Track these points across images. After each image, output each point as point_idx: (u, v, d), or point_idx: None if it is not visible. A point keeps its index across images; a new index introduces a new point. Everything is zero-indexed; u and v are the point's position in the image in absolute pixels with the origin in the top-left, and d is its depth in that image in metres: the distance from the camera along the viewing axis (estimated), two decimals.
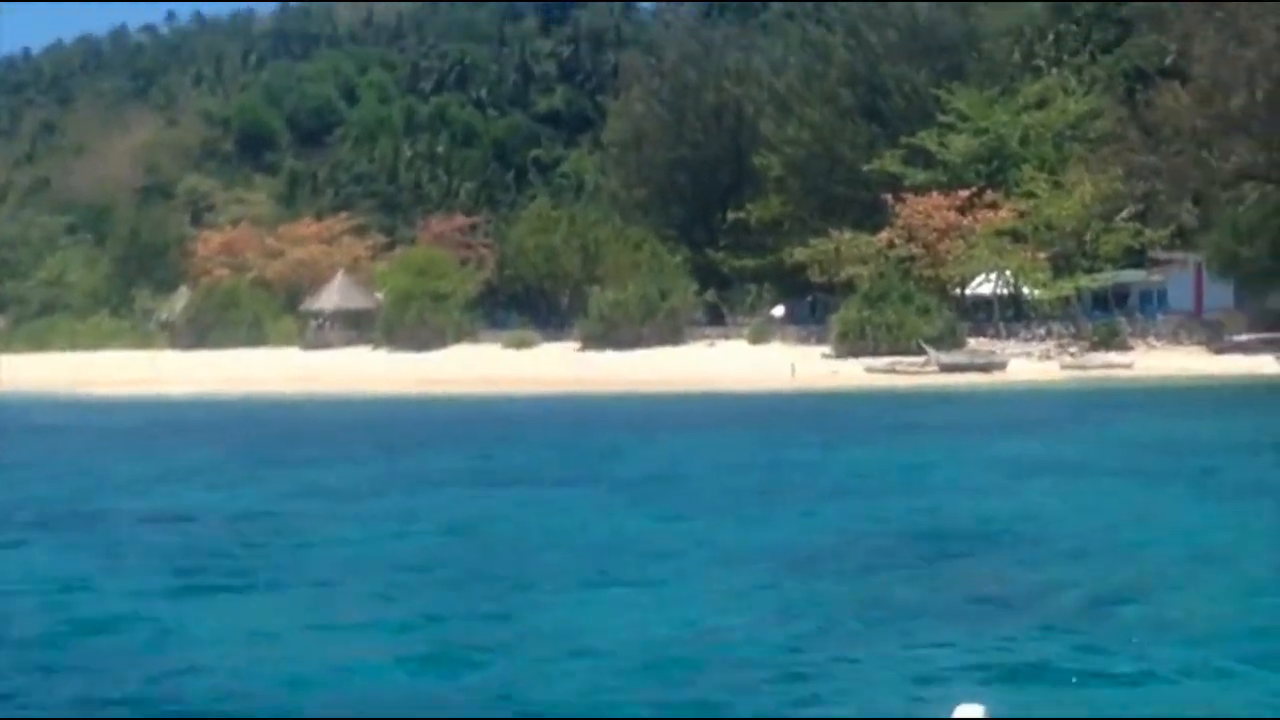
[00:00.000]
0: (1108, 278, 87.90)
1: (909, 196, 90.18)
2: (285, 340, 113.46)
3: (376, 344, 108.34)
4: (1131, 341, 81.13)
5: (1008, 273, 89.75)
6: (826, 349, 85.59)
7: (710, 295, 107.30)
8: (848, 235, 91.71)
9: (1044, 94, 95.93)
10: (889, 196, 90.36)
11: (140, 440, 46.56)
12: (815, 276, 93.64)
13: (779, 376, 73.79)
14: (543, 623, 16.76)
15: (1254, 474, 30.49)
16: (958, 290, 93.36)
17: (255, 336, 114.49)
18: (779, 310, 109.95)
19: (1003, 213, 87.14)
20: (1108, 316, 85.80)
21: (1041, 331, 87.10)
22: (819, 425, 47.79)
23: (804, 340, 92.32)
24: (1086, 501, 27.12)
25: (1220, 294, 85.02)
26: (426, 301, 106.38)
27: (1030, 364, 77.05)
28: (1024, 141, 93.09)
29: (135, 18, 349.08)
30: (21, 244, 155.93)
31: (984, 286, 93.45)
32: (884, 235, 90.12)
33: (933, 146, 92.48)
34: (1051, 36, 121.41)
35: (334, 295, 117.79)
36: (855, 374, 74.58)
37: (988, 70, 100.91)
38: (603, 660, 14.87)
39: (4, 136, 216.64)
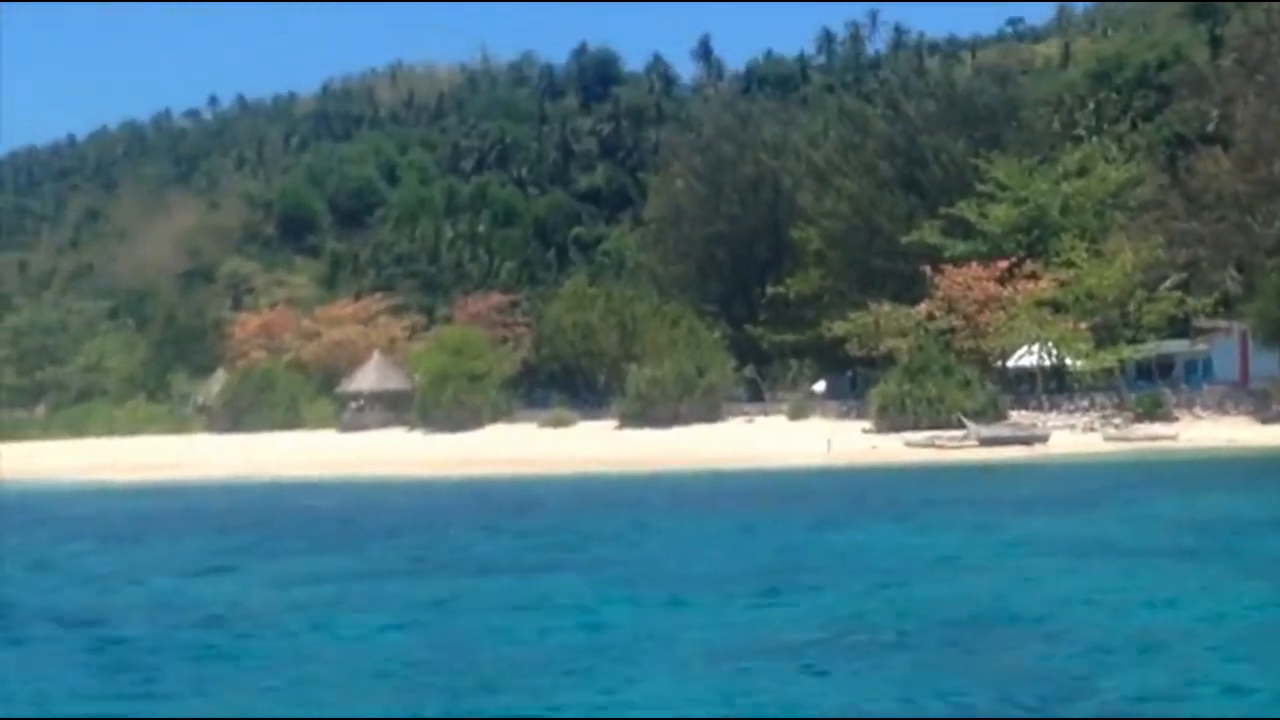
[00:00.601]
0: (1151, 348, 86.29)
1: (948, 268, 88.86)
2: (321, 422, 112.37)
3: (412, 425, 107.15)
4: (1176, 412, 79.36)
5: (1049, 344, 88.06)
6: (866, 424, 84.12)
7: (749, 371, 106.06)
8: (887, 307, 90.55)
9: (1084, 162, 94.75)
10: (928, 268, 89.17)
11: (120, 530, 45.17)
12: (855, 350, 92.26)
13: (816, 452, 72.35)
14: None
15: None
16: (999, 362, 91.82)
17: (291, 419, 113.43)
18: (820, 385, 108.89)
19: (1043, 283, 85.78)
20: (1152, 387, 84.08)
21: (1085, 403, 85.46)
22: (844, 502, 46.33)
23: (844, 415, 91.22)
24: (1119, 587, 25.48)
25: (1267, 362, 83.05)
26: (462, 381, 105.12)
27: (1073, 436, 75.47)
28: (1064, 210, 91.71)
29: (179, 102, 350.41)
30: (61, 330, 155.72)
31: (1026, 358, 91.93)
32: (923, 307, 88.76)
33: (972, 217, 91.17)
34: (1092, 105, 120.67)
35: (370, 376, 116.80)
36: (894, 449, 73.15)
37: (1027, 139, 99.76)
38: None
39: (49, 223, 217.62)
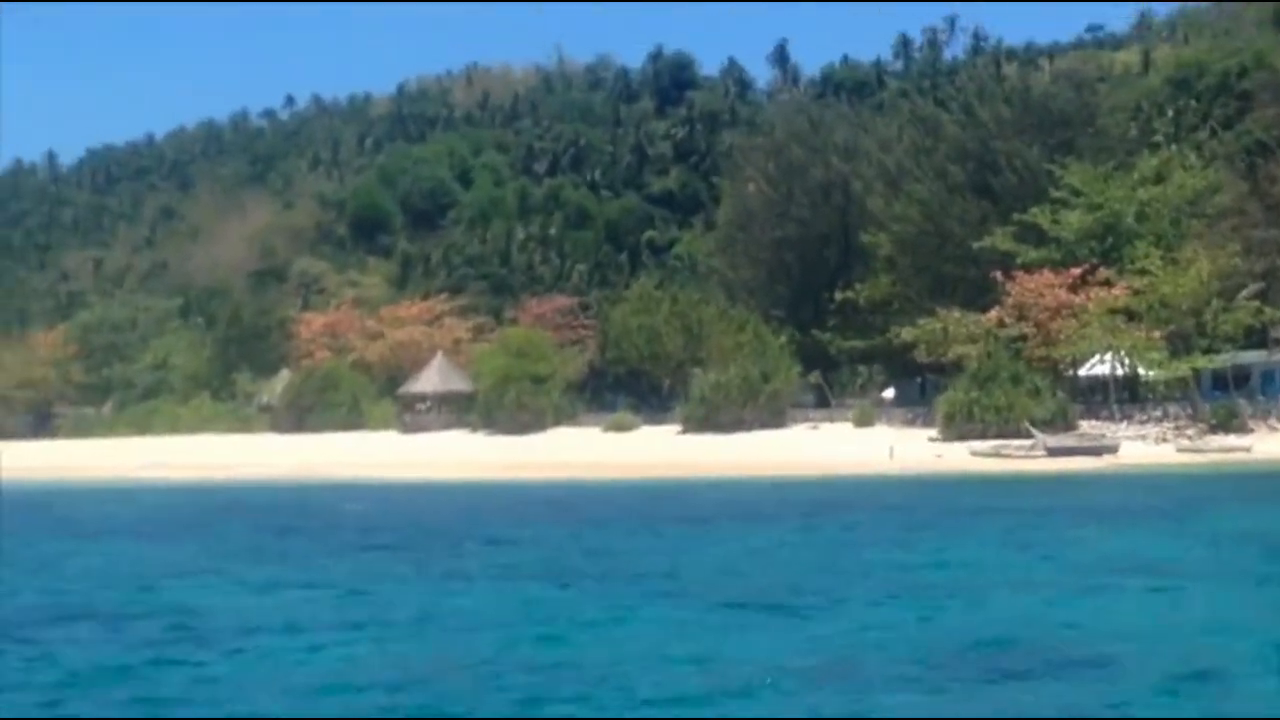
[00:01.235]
0: (1227, 358, 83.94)
1: (1020, 274, 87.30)
2: (383, 424, 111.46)
3: (474, 427, 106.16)
4: (1252, 424, 77.45)
5: (1122, 353, 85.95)
6: (933, 432, 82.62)
7: (815, 377, 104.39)
8: (956, 314, 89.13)
9: (1161, 169, 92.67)
10: (999, 274, 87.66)
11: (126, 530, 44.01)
12: (923, 357, 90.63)
13: (879, 461, 70.82)
14: None
15: None
16: (1070, 371, 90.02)
17: (354, 420, 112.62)
18: (889, 392, 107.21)
19: (1117, 290, 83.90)
20: (1227, 398, 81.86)
21: (1157, 414, 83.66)
22: (900, 512, 44.62)
23: (910, 423, 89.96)
24: (1178, 612, 23.65)
25: None
26: (525, 384, 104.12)
27: (1144, 447, 73.68)
28: (1140, 217, 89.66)
29: (256, 102, 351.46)
30: (130, 328, 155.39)
31: (1098, 367, 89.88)
32: (994, 314, 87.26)
33: (1045, 223, 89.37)
34: (1171, 112, 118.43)
35: (433, 377, 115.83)
36: (959, 458, 71.67)
37: (1103, 146, 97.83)
38: None
39: (126, 221, 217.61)
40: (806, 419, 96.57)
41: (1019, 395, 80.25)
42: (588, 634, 21.45)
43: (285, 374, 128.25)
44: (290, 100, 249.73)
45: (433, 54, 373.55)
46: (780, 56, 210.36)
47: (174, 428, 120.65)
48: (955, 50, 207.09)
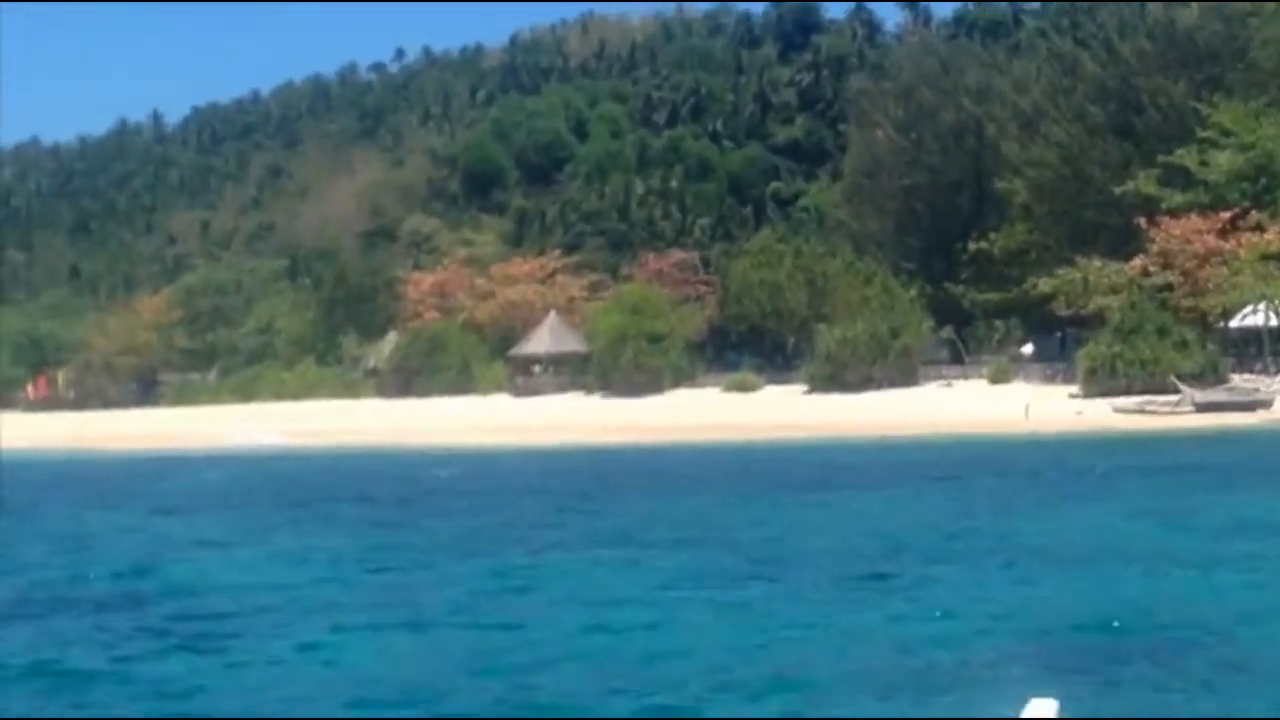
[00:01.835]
0: None
1: (1165, 220, 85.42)
2: (494, 387, 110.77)
3: (589, 389, 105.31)
4: None
5: (1276, 302, 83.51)
6: (1074, 388, 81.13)
7: (948, 332, 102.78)
8: (1097, 263, 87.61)
9: None
10: (1143, 220, 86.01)
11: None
12: (1062, 309, 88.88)
13: (1014, 419, 69.49)
14: None
15: None
16: (1220, 322, 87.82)
17: (463, 383, 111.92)
18: (1027, 348, 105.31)
19: (1270, 235, 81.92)
20: None
21: None
22: (1026, 474, 43.11)
23: (1050, 379, 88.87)
24: None
25: None
26: (641, 343, 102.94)
27: None
28: None
29: (365, 55, 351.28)
30: (235, 290, 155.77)
31: (1250, 318, 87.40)
32: (1137, 263, 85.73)
33: (1192, 165, 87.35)
34: None
35: (546, 338, 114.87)
36: (1101, 415, 70.39)
37: (1253, 81, 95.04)
38: None
39: (233, 181, 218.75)
40: (939, 376, 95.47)
41: (1165, 348, 78.68)
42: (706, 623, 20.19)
43: (392, 336, 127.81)
44: (400, 53, 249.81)
45: (546, 2, 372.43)
46: None
47: (278, 393, 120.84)
48: None
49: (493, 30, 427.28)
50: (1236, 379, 77.96)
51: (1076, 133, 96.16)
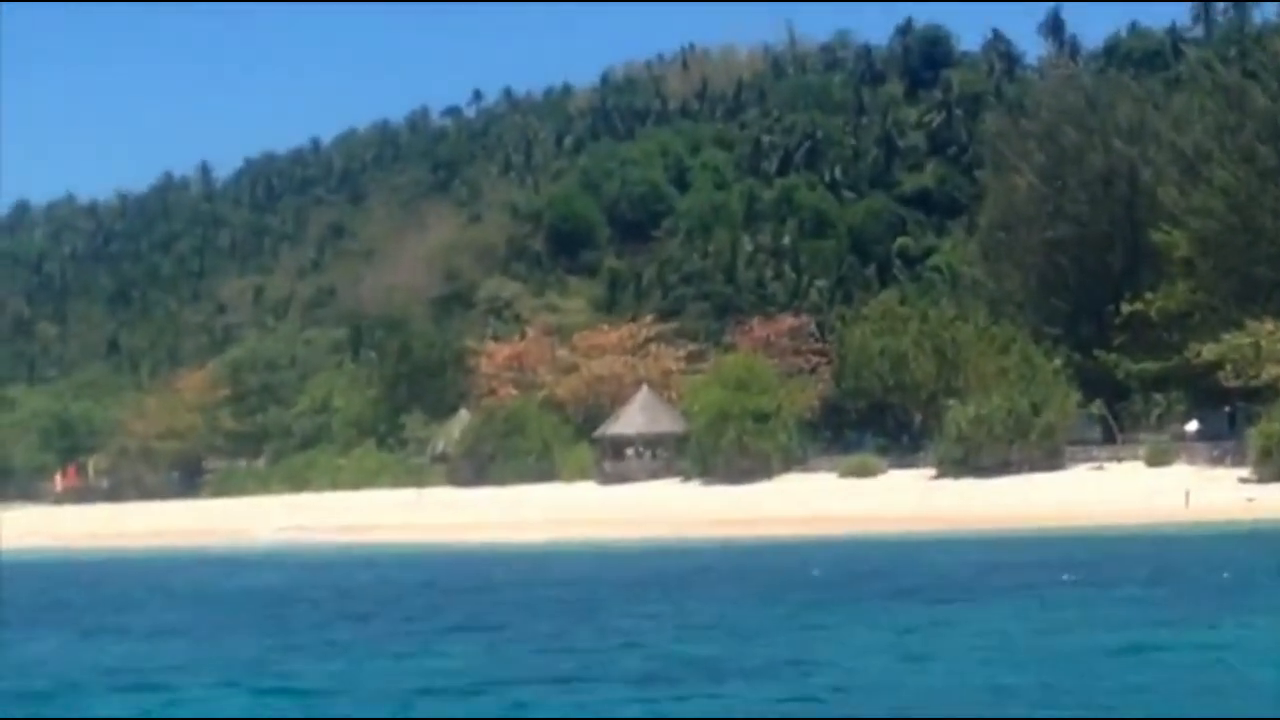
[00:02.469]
0: None
1: None
2: (579, 473, 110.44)
3: (687, 475, 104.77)
4: None
5: None
6: (1244, 471, 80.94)
7: (1099, 407, 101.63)
8: (1269, 326, 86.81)
9: None
10: None
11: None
12: (1230, 379, 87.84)
13: (1172, 507, 68.62)
14: None
15: None
16: None
17: (544, 469, 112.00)
18: (1191, 425, 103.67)
19: None
20: None
21: None
22: (1187, 577, 41.59)
23: (1216, 461, 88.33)
24: None
25: None
26: (746, 422, 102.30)
27: None
28: None
29: (438, 99, 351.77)
30: (288, 365, 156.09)
31: None
32: None
33: None
34: None
35: (637, 417, 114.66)
36: (1277, 502, 68.40)
37: None
38: None
39: (289, 242, 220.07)
40: (1089, 458, 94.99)
41: None
42: None
43: (463, 415, 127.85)
44: (477, 95, 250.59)
45: (642, 36, 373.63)
46: (1055, 25, 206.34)
47: (334, 482, 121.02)
48: (1268, 12, 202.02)
49: (581, 69, 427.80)
50: None
51: (1245, 176, 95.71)
